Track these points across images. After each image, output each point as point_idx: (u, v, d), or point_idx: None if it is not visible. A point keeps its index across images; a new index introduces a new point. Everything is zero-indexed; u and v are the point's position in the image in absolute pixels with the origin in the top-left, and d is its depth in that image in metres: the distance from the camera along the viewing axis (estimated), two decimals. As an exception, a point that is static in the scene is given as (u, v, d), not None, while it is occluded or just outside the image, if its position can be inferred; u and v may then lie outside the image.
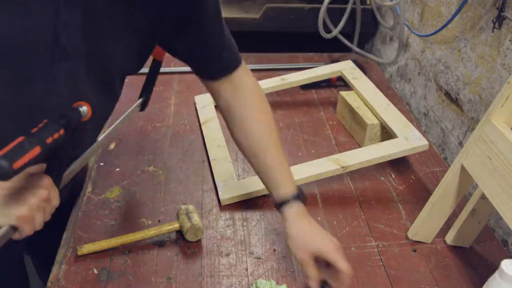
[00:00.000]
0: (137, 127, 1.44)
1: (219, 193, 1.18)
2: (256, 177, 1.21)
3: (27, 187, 0.69)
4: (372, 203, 1.20)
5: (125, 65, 0.88)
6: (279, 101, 1.62)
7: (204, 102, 1.55)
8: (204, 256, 1.03)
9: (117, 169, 1.25)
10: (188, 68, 1.00)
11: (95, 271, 0.97)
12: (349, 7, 1.83)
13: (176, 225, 1.04)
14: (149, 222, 1.10)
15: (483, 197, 0.97)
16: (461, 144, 1.39)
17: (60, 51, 0.74)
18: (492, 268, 1.01)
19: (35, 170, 0.72)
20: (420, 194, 1.23)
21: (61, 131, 0.69)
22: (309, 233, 0.93)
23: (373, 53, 2.01)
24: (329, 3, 1.72)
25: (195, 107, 1.54)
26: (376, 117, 1.37)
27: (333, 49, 1.96)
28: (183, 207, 1.07)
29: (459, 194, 1.01)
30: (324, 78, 1.62)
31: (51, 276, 0.96)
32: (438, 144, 1.52)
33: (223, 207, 1.16)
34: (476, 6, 1.29)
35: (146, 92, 1.05)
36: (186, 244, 1.05)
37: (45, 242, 1.08)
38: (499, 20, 1.18)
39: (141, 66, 0.93)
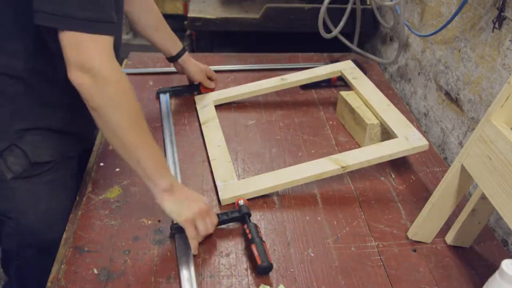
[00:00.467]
0: (137, 127, 1.44)
1: (219, 193, 1.18)
2: (256, 177, 1.21)
3: (194, 200, 1.02)
4: (372, 203, 1.20)
5: None
6: (279, 101, 1.62)
7: (204, 102, 1.55)
8: (204, 256, 1.03)
9: (117, 169, 1.25)
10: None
11: (95, 271, 0.97)
12: (349, 7, 1.83)
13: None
14: (149, 222, 1.10)
15: (483, 197, 0.97)
16: (461, 144, 1.39)
17: None
18: (492, 268, 1.01)
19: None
20: (420, 194, 1.23)
21: None
22: None
23: (373, 53, 2.01)
24: (329, 3, 1.72)
25: (195, 107, 1.54)
26: (376, 117, 1.37)
27: (333, 49, 1.96)
28: None
29: (459, 194, 1.01)
30: (324, 78, 1.62)
31: (51, 276, 0.96)
32: (438, 144, 1.52)
33: (223, 207, 1.16)
34: (476, 6, 1.29)
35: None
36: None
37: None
38: (499, 20, 1.18)
39: None
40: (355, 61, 1.67)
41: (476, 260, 1.06)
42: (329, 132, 1.47)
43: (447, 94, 1.48)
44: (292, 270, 1.00)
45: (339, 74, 1.60)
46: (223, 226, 1.10)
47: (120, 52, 1.13)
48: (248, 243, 1.02)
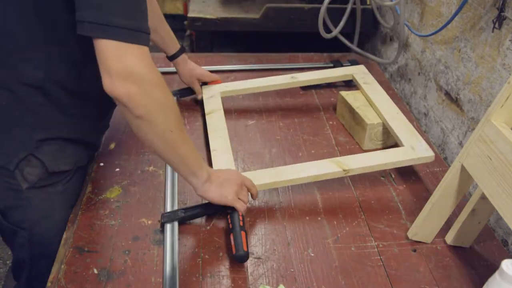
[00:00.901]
0: (137, 127, 1.44)
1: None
2: (256, 173, 1.21)
3: (229, 178, 1.08)
4: (372, 203, 1.20)
5: None
6: (279, 101, 1.62)
7: (211, 92, 1.54)
8: (204, 256, 1.03)
9: (117, 169, 1.25)
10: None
11: (95, 271, 0.97)
12: (349, 7, 1.83)
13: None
14: (149, 222, 1.10)
15: (483, 197, 0.97)
16: (461, 144, 1.39)
17: None
18: (492, 268, 1.01)
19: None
20: (420, 194, 1.23)
21: None
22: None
23: (373, 53, 2.01)
24: (329, 3, 1.72)
25: (197, 108, 1.54)
26: (384, 124, 1.36)
27: (333, 49, 1.96)
28: None
29: (459, 194, 1.01)
30: (336, 80, 1.62)
31: (51, 276, 0.96)
32: (438, 144, 1.52)
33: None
34: (476, 6, 1.29)
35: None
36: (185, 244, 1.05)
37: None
38: (499, 20, 1.18)
39: None
40: (355, 61, 1.67)
41: (476, 260, 1.06)
42: (329, 132, 1.47)
43: (447, 94, 1.48)
44: (292, 270, 1.01)
45: (350, 78, 1.60)
46: (221, 224, 1.10)
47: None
48: (229, 232, 1.04)
